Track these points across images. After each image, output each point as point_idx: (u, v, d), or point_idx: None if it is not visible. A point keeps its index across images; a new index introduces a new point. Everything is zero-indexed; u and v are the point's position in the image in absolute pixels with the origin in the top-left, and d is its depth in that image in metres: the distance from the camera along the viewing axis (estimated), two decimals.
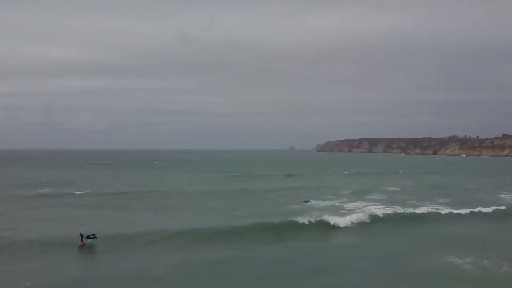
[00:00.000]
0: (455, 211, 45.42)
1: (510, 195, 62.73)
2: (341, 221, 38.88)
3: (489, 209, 46.66)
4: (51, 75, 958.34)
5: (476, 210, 45.96)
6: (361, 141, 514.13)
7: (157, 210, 47.65)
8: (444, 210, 46.50)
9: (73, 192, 61.55)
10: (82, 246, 30.46)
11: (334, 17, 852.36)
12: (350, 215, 41.15)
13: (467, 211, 45.56)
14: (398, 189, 70.02)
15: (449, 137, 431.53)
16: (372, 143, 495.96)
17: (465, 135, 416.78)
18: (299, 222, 37.75)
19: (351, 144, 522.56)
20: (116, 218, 42.43)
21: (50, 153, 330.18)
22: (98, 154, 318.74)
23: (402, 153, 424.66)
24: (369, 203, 52.87)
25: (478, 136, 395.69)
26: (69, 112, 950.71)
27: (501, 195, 63.21)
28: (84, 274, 25.87)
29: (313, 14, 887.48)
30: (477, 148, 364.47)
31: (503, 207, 49.18)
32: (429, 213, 45.11)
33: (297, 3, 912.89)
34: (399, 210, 46.99)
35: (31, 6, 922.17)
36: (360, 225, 38.93)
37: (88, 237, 31.10)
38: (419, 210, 46.44)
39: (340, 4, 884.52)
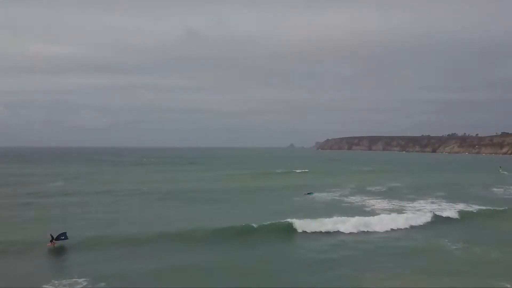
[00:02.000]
0: (452, 206, 47.77)
1: (502, 190, 66.39)
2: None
3: (483, 203, 49.35)
4: (53, 72, 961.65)
5: (471, 204, 48.69)
6: (361, 139, 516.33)
7: (158, 208, 46.55)
8: (442, 204, 49.19)
9: (72, 190, 61.32)
10: (51, 247, 28.24)
11: (335, 15, 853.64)
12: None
13: (463, 205, 48.26)
14: (397, 185, 72.25)
15: (449, 135, 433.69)
16: (372, 141, 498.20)
17: (465, 133, 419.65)
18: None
19: (351, 142, 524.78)
20: (115, 217, 40.93)
21: (51, 151, 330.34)
22: (100, 152, 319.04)
23: (403, 151, 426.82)
24: (369, 197, 55.77)
25: (477, 134, 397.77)
26: (71, 110, 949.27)
27: (494, 189, 67.42)
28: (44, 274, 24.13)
29: (315, 12, 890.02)
30: (476, 146, 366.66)
31: (496, 201, 52.08)
32: (427, 207, 47.06)
33: (299, 2, 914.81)
34: (398, 204, 49.69)
35: (34, 4, 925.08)
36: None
37: (58, 238, 28.56)
38: (417, 204, 49.07)
39: (342, 3, 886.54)
